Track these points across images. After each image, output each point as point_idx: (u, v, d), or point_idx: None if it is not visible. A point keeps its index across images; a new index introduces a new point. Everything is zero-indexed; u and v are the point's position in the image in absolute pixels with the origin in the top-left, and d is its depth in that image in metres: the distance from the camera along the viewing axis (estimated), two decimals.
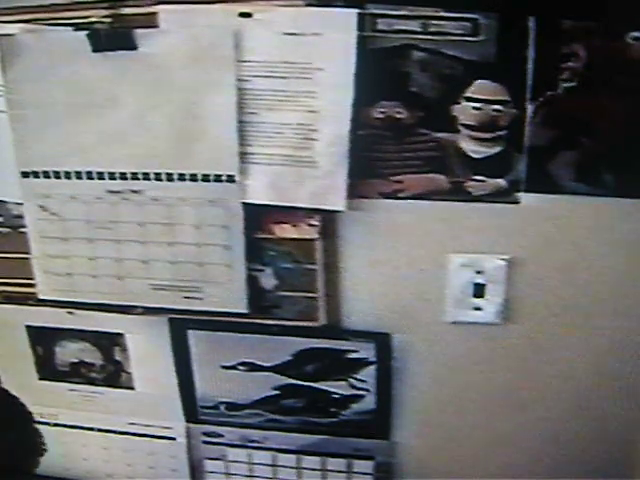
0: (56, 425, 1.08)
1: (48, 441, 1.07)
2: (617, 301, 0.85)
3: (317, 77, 0.77)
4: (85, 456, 1.10)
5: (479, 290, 0.87)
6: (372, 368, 0.94)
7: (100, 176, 0.86)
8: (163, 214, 0.86)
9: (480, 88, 0.76)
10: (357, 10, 0.74)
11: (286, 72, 0.77)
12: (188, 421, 1.04)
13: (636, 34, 0.71)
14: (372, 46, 0.76)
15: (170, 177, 0.84)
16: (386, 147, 0.81)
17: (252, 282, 0.88)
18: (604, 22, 0.71)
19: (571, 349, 0.89)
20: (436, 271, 0.87)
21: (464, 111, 0.78)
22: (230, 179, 0.83)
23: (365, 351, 0.93)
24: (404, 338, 0.91)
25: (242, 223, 0.85)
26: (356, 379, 0.95)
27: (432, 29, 0.75)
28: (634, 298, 0.85)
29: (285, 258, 0.87)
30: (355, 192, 0.82)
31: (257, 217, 0.85)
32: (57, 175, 0.87)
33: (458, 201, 0.82)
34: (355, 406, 0.97)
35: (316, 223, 0.85)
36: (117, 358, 1.01)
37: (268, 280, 0.89)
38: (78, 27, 0.80)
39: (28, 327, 1.01)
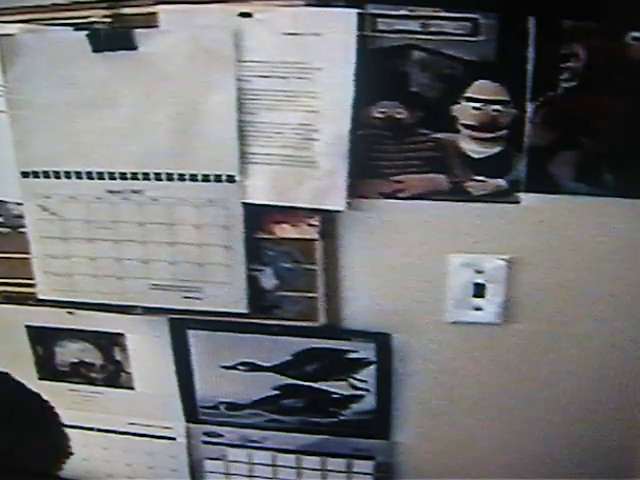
0: None
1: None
2: (617, 301, 0.85)
3: (317, 77, 0.77)
4: (85, 456, 1.10)
5: (479, 290, 0.86)
6: (372, 368, 0.94)
7: (100, 176, 0.86)
8: (163, 214, 0.86)
9: (480, 88, 0.76)
10: (357, 10, 0.74)
11: (286, 72, 0.77)
12: (188, 421, 1.04)
13: (636, 34, 0.71)
14: (372, 46, 0.76)
15: (170, 177, 0.84)
16: (386, 147, 0.81)
17: (252, 282, 0.88)
18: (604, 22, 0.71)
19: (571, 349, 0.89)
20: (436, 271, 0.87)
21: (464, 111, 0.78)
22: (230, 179, 0.83)
23: (365, 351, 0.93)
24: (404, 338, 0.91)
25: (242, 223, 0.85)
26: (356, 379, 0.95)
27: (432, 29, 0.75)
28: (634, 298, 0.85)
29: (285, 258, 0.87)
30: (355, 192, 0.82)
31: (257, 217, 0.85)
32: (57, 175, 0.87)
33: (458, 201, 0.82)
34: (355, 406, 0.97)
35: (316, 223, 0.85)
36: (117, 358, 1.01)
37: (268, 280, 0.89)
38: (78, 27, 0.80)
39: (28, 327, 1.01)
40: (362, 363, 0.94)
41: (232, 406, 1.01)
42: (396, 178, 0.82)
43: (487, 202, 0.82)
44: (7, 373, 0.73)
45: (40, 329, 1.01)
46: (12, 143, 0.86)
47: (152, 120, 0.82)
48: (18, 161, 0.87)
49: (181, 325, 0.95)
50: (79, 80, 0.82)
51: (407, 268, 0.87)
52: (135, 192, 0.86)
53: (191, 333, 0.96)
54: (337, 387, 0.96)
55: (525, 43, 0.73)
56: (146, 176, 0.85)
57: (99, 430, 1.07)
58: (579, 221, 0.82)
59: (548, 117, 0.76)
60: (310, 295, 0.89)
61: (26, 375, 1.05)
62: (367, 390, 0.95)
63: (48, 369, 1.04)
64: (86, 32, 0.79)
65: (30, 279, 0.94)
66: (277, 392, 0.98)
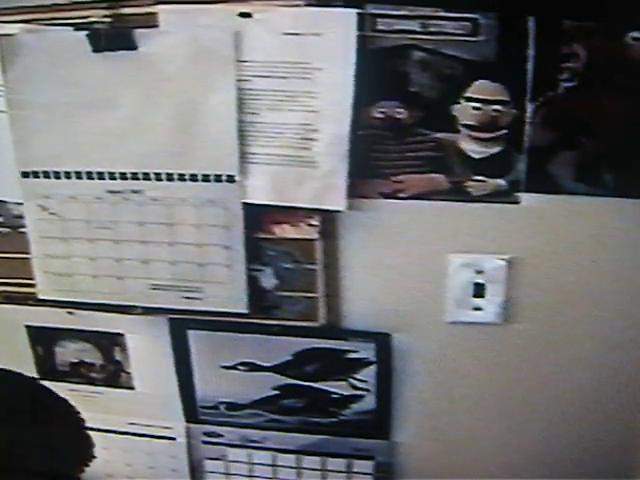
0: None
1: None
2: (617, 301, 0.85)
3: (317, 77, 0.77)
4: None
5: (479, 290, 0.86)
6: (372, 368, 0.94)
7: (100, 176, 0.86)
8: (163, 214, 0.86)
9: (480, 88, 0.76)
10: (357, 10, 0.74)
11: (286, 72, 0.77)
12: (188, 421, 1.04)
13: (636, 34, 0.71)
14: (372, 46, 0.76)
15: (170, 177, 0.84)
16: (386, 147, 0.81)
17: (252, 282, 0.88)
18: (604, 22, 0.71)
19: (571, 349, 0.89)
20: (436, 271, 0.87)
21: (464, 111, 0.78)
22: (230, 179, 0.83)
23: (365, 351, 0.93)
24: (404, 338, 0.91)
25: (242, 223, 0.85)
26: (356, 379, 0.95)
27: (432, 29, 0.75)
28: (634, 298, 0.85)
29: (285, 258, 0.87)
30: (355, 192, 0.82)
31: (257, 217, 0.85)
32: (57, 175, 0.87)
33: (458, 201, 0.82)
34: (355, 406, 0.97)
35: (316, 223, 0.85)
36: (117, 358, 1.01)
37: (268, 280, 0.89)
38: (78, 27, 0.80)
39: (28, 327, 1.01)
40: (362, 363, 0.94)
41: (232, 406, 1.01)
42: (396, 178, 0.82)
43: (487, 202, 0.82)
44: (35, 378, 0.74)
45: (40, 329, 1.01)
46: (12, 143, 0.86)
47: (152, 120, 0.82)
48: (18, 161, 0.87)
49: (181, 325, 0.95)
50: (79, 80, 0.82)
51: (407, 268, 0.87)
52: (135, 192, 0.86)
53: (191, 333, 0.96)
54: (337, 387, 0.96)
55: (525, 43, 0.73)
56: (146, 176, 0.85)
57: (99, 430, 1.07)
58: (579, 221, 0.82)
59: (548, 117, 0.76)
60: (310, 295, 0.89)
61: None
62: (367, 390, 0.95)
63: (48, 369, 1.04)
64: (86, 32, 0.79)
65: (30, 279, 0.94)
66: (277, 392, 0.98)
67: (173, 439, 1.05)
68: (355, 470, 1.02)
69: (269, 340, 0.94)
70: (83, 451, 0.70)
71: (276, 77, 0.78)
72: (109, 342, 1.00)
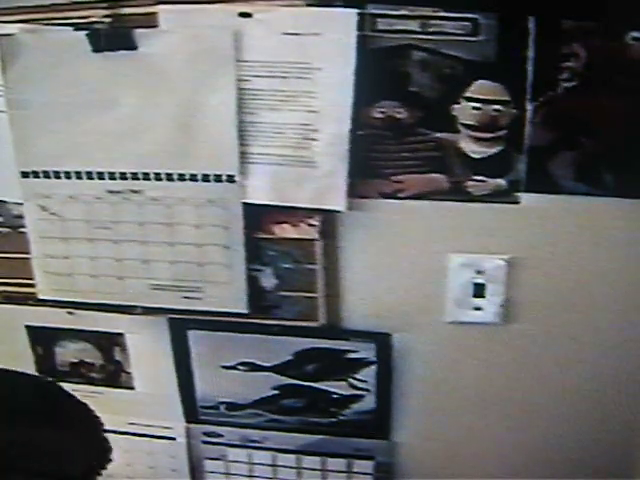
0: None
1: None
2: (617, 301, 0.85)
3: (317, 77, 0.77)
4: None
5: (479, 290, 0.86)
6: (372, 368, 0.94)
7: (100, 176, 0.86)
8: (163, 214, 0.86)
9: (480, 88, 0.76)
10: (357, 10, 0.74)
11: (286, 72, 0.77)
12: (188, 421, 1.04)
13: (636, 34, 0.71)
14: (372, 46, 0.76)
15: (170, 177, 0.84)
16: (386, 147, 0.81)
17: (252, 282, 0.88)
18: (604, 22, 0.71)
19: (571, 349, 0.89)
20: (436, 271, 0.87)
21: (464, 111, 0.78)
22: (230, 179, 0.83)
23: (365, 351, 0.93)
24: (404, 338, 0.91)
25: (242, 223, 0.85)
26: (356, 379, 0.95)
27: (432, 29, 0.75)
28: (634, 298, 0.85)
29: (285, 258, 0.87)
30: (355, 192, 0.82)
31: (257, 217, 0.85)
32: (57, 175, 0.87)
33: (458, 201, 0.82)
34: (355, 406, 0.97)
35: (316, 223, 0.85)
36: (117, 358, 1.01)
37: (268, 280, 0.89)
38: (78, 27, 0.80)
39: (28, 327, 1.01)
40: (362, 363, 0.94)
41: (232, 406, 1.01)
42: (396, 178, 0.82)
43: (487, 202, 0.82)
44: (54, 382, 0.75)
45: (40, 329, 1.01)
46: (12, 143, 0.86)
47: (152, 120, 0.82)
48: (18, 161, 0.87)
49: (181, 325, 0.95)
50: (79, 80, 0.82)
51: (407, 268, 0.87)
52: (135, 192, 0.86)
53: (191, 333, 0.96)
54: (337, 387, 0.96)
55: (525, 43, 0.73)
56: (146, 176, 0.85)
57: None
58: (579, 221, 0.82)
59: (548, 117, 0.76)
60: (310, 295, 0.89)
61: None
62: (367, 390, 0.95)
63: (48, 369, 1.04)
64: (86, 32, 0.79)
65: (30, 279, 0.94)
66: (277, 392, 0.98)
67: (173, 439, 1.05)
68: (355, 470, 1.02)
69: (269, 340, 0.94)
70: (101, 455, 0.71)
71: (276, 77, 0.78)
72: (109, 342, 1.00)
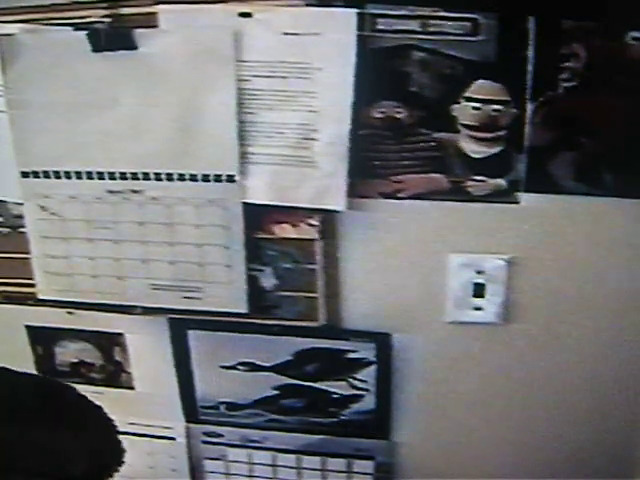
0: None
1: None
2: (617, 301, 0.85)
3: (317, 77, 0.77)
4: None
5: (479, 290, 0.86)
6: (372, 368, 0.94)
7: (100, 176, 0.86)
8: (163, 214, 0.86)
9: (480, 88, 0.76)
10: (357, 10, 0.74)
11: (286, 72, 0.77)
12: (188, 421, 1.04)
13: (636, 34, 0.71)
14: (372, 46, 0.76)
15: (170, 177, 0.84)
16: (386, 147, 0.81)
17: (252, 282, 0.88)
18: (604, 22, 0.71)
19: (571, 349, 0.89)
20: (436, 271, 0.87)
21: (464, 111, 0.78)
22: (230, 179, 0.83)
23: (365, 351, 0.93)
24: (404, 338, 0.91)
25: (242, 223, 0.85)
26: (356, 379, 0.95)
27: (432, 29, 0.75)
28: (634, 298, 0.85)
29: (285, 258, 0.87)
30: (355, 192, 0.82)
31: (257, 217, 0.85)
32: (57, 175, 0.87)
33: (458, 201, 0.82)
34: (355, 406, 0.97)
35: (316, 223, 0.85)
36: (117, 358, 1.01)
37: (268, 280, 0.89)
38: (78, 27, 0.80)
39: (28, 327, 1.01)
40: (362, 363, 0.94)
41: (232, 406, 1.01)
42: (396, 178, 0.82)
43: (487, 202, 0.82)
44: (71, 386, 0.75)
45: (40, 329, 1.01)
46: (12, 143, 0.86)
47: (152, 120, 0.82)
48: (18, 161, 0.87)
49: (181, 325, 0.95)
50: (79, 80, 0.82)
51: (407, 268, 0.87)
52: (135, 192, 0.86)
53: (191, 333, 0.96)
54: (337, 387, 0.96)
55: (525, 43, 0.73)
56: (146, 176, 0.85)
57: None
58: (579, 221, 0.82)
59: (548, 117, 0.76)
60: (310, 295, 0.89)
61: None
62: (367, 390, 0.95)
63: (48, 369, 1.04)
64: (86, 32, 0.79)
65: (30, 279, 0.94)
66: (277, 392, 0.98)
67: (173, 439, 1.05)
68: (355, 470, 1.02)
69: (269, 340, 0.94)
70: (115, 457, 0.72)
71: (276, 77, 0.78)
72: (109, 342, 1.00)
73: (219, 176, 0.83)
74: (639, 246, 0.82)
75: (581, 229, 0.82)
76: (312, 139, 0.79)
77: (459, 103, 0.77)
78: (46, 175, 0.87)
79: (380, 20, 0.75)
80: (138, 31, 0.78)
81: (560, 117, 0.76)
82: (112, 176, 0.86)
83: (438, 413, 0.96)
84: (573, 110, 0.76)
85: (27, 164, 0.87)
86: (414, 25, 0.75)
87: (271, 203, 0.83)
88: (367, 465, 1.01)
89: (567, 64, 0.74)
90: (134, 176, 0.85)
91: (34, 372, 0.67)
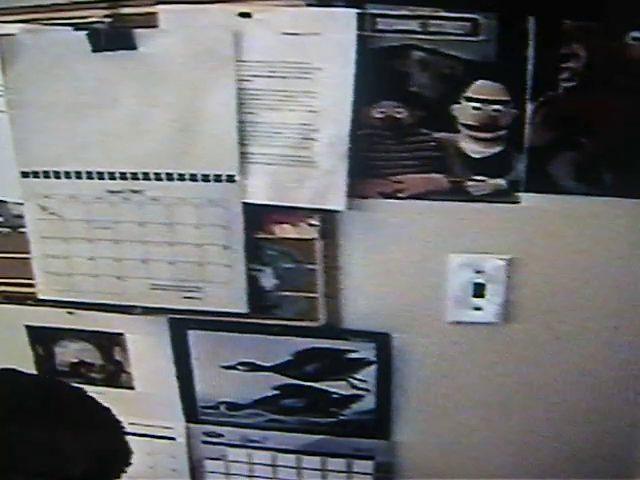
0: None
1: None
2: (617, 301, 0.85)
3: (317, 77, 0.77)
4: None
5: (479, 290, 0.86)
6: (372, 368, 0.94)
7: (100, 176, 0.86)
8: (163, 214, 0.86)
9: (480, 88, 0.76)
10: (357, 10, 0.74)
11: (286, 72, 0.77)
12: (188, 421, 1.04)
13: (636, 34, 0.71)
14: (372, 46, 0.76)
15: (170, 177, 0.84)
16: (386, 147, 0.81)
17: (252, 282, 0.88)
18: (604, 22, 0.71)
19: (571, 349, 0.89)
20: (436, 271, 0.87)
21: (464, 111, 0.78)
22: (230, 179, 0.83)
23: (365, 351, 0.93)
24: (404, 338, 0.91)
25: (242, 223, 0.85)
26: (356, 379, 0.95)
27: (432, 29, 0.75)
28: (634, 298, 0.85)
29: (285, 258, 0.87)
30: (355, 192, 0.82)
31: (257, 217, 0.85)
32: (57, 175, 0.87)
33: (458, 201, 0.82)
34: (355, 406, 0.97)
35: (316, 223, 0.85)
36: (117, 358, 1.01)
37: (268, 280, 0.89)
38: (78, 27, 0.80)
39: (28, 327, 1.01)
40: (362, 363, 0.94)
41: (232, 406, 1.01)
42: (396, 178, 0.82)
43: (487, 202, 0.82)
44: (81, 388, 0.75)
45: (40, 329, 1.01)
46: (12, 143, 0.86)
47: (152, 120, 0.82)
48: (18, 161, 0.87)
49: (181, 325, 0.95)
50: (79, 80, 0.82)
51: (407, 268, 0.87)
52: (135, 192, 0.86)
53: (191, 333, 0.96)
54: (337, 387, 0.96)
55: (525, 43, 0.73)
56: (146, 176, 0.85)
57: None
58: (579, 221, 0.82)
59: (548, 117, 0.76)
60: (310, 295, 0.89)
61: None
62: (367, 390, 0.95)
63: (48, 369, 1.04)
64: (86, 32, 0.79)
65: (30, 279, 0.94)
66: (277, 392, 0.98)
67: (173, 439, 1.05)
68: (355, 470, 1.02)
69: (269, 340, 0.94)
70: (120, 458, 0.72)
71: (276, 77, 0.78)
72: (109, 342, 1.00)
73: (219, 176, 0.83)
74: (639, 246, 0.82)
75: (581, 229, 0.82)
76: (312, 139, 0.79)
77: (459, 103, 0.77)
78: (46, 175, 0.87)
79: (380, 20, 0.75)
80: (138, 31, 0.78)
81: (560, 117, 0.76)
82: (112, 176, 0.86)
83: (438, 413, 0.96)
84: (573, 110, 0.76)
85: (27, 164, 0.87)
86: (414, 25, 0.75)
87: (271, 203, 0.83)
88: (367, 465, 1.01)
89: (567, 64, 0.74)
90: (134, 176, 0.85)
91: (37, 373, 0.67)
